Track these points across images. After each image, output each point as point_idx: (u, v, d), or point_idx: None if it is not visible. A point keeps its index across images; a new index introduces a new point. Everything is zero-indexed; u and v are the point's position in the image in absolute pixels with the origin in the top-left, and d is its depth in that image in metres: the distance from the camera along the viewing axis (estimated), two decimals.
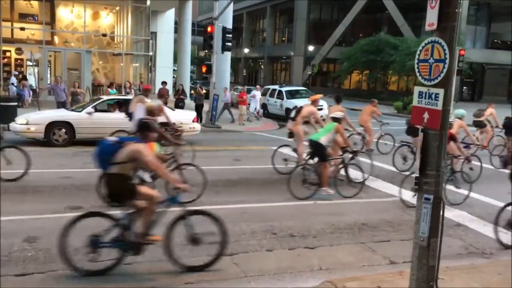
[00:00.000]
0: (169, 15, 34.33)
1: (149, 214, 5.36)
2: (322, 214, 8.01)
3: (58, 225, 6.72)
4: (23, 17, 27.25)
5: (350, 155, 9.47)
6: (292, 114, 11.25)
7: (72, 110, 14.43)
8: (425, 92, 4.18)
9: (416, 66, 4.29)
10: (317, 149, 9.12)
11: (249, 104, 23.51)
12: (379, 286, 5.10)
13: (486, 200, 9.13)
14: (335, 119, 9.31)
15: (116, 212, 5.43)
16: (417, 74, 4.28)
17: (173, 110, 15.54)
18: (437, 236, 4.29)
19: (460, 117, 10.20)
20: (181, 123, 13.54)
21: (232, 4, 21.20)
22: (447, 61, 3.99)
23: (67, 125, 13.41)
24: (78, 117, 13.60)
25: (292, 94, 25.11)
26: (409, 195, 8.04)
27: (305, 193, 8.82)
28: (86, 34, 26.95)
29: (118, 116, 14.14)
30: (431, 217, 4.20)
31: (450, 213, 7.88)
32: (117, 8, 28.99)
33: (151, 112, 8.65)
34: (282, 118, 24.08)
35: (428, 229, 4.22)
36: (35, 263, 5.50)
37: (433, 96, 4.11)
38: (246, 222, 7.20)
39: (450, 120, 8.87)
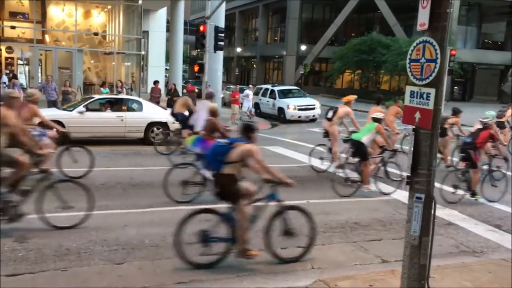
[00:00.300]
0: (161, 14, 34.22)
1: (242, 231, 5.60)
2: (315, 213, 7.93)
3: (48, 224, 6.72)
4: (14, 15, 27.04)
5: (390, 154, 9.85)
6: (329, 114, 11.56)
7: (63, 109, 14.34)
8: (417, 92, 4.21)
9: (407, 65, 4.31)
10: (358, 148, 9.42)
11: (241, 104, 23.51)
12: (371, 285, 5.12)
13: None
14: (376, 120, 9.62)
15: (223, 207, 5.75)
16: (409, 73, 4.30)
17: (165, 109, 15.49)
18: (428, 235, 4.32)
19: (492, 118, 10.37)
20: (174, 122, 13.62)
21: (224, 3, 21.15)
22: (439, 60, 4.01)
23: (58, 124, 13.29)
24: (69, 116, 13.50)
25: (285, 94, 25.13)
26: (448, 191, 8.75)
27: (348, 191, 9.17)
28: (77, 33, 26.75)
29: (110, 115, 14.09)
30: (422, 216, 4.23)
31: (441, 212, 7.92)
32: (109, 7, 28.82)
33: (214, 113, 9.14)
34: (274, 118, 24.12)
35: (419, 228, 4.24)
36: (26, 263, 5.46)
37: (424, 95, 4.14)
38: None
39: (486, 120, 9.18)
